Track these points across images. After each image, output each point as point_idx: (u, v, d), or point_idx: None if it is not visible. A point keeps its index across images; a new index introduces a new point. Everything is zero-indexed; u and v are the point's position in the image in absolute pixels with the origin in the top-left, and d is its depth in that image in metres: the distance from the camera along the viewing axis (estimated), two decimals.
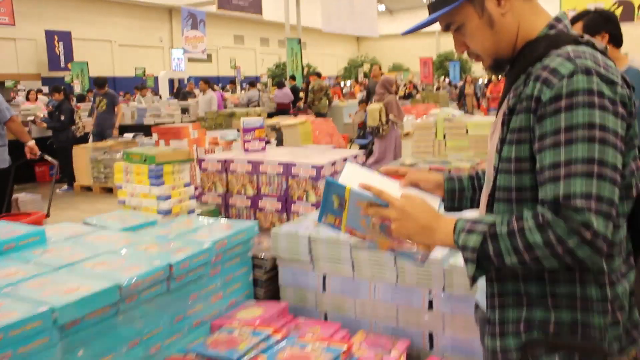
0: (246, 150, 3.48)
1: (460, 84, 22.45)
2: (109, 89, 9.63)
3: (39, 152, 5.28)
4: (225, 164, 3.25)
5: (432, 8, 1.25)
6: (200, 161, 3.32)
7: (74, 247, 2.26)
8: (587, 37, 1.19)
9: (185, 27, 19.90)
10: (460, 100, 18.95)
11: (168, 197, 2.89)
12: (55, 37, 23.62)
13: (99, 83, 9.42)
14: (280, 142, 8.87)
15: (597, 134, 1.04)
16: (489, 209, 1.22)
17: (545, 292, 1.15)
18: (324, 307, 2.46)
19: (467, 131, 6.81)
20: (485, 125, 6.69)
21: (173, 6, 28.50)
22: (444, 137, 6.99)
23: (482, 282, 1.31)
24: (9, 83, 21.57)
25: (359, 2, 17.27)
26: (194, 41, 20.13)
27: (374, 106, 8.00)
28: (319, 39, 35.61)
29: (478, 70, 35.24)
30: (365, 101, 11.10)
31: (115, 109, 9.46)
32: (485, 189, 1.32)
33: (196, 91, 18.29)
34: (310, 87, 13.25)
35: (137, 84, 16.09)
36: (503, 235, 1.07)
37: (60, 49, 23.80)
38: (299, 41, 18.44)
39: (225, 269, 2.39)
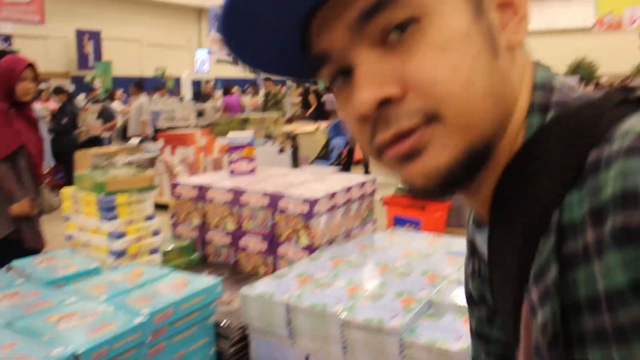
0: (231, 172, 2.87)
1: None
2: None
3: None
4: (202, 191, 2.65)
5: None
6: (173, 186, 2.72)
7: None
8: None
9: (212, 28, 19.61)
10: None
11: (122, 235, 2.29)
12: (86, 36, 23.61)
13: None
14: (295, 152, 8.28)
15: None
16: None
17: None
18: None
19: None
20: None
21: (203, 7, 28.32)
22: None
23: None
24: None
25: None
26: (221, 42, 19.79)
27: None
28: None
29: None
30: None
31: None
32: None
33: (217, 93, 17.83)
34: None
35: (156, 85, 15.67)
36: None
37: (89, 47, 23.82)
38: None
39: (174, 345, 1.78)
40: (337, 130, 8.52)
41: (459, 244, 2.43)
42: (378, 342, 1.66)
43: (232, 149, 2.87)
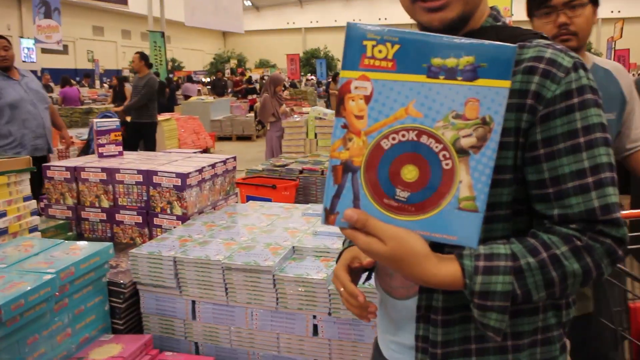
0: (100, 155, 3.06)
1: (325, 81, 22.68)
2: None
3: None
4: (75, 172, 2.82)
5: None
6: (45, 169, 2.86)
7: None
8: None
9: (37, 16, 18.33)
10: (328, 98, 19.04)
11: (3, 215, 2.42)
12: None
13: None
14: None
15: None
16: None
17: (505, 334, 0.94)
18: (195, 337, 2.17)
19: None
20: None
21: None
22: (315, 136, 6.88)
23: (389, 322, 1.11)
24: None
25: None
26: (47, 31, 18.58)
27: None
28: (184, 33, 34.62)
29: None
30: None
31: None
32: None
33: (53, 84, 16.88)
34: None
35: None
36: (532, 269, 0.85)
37: None
38: (163, 34, 17.62)
39: (75, 301, 2.02)
40: None
41: (310, 208, 2.88)
42: (255, 281, 2.04)
43: (100, 133, 3.06)
